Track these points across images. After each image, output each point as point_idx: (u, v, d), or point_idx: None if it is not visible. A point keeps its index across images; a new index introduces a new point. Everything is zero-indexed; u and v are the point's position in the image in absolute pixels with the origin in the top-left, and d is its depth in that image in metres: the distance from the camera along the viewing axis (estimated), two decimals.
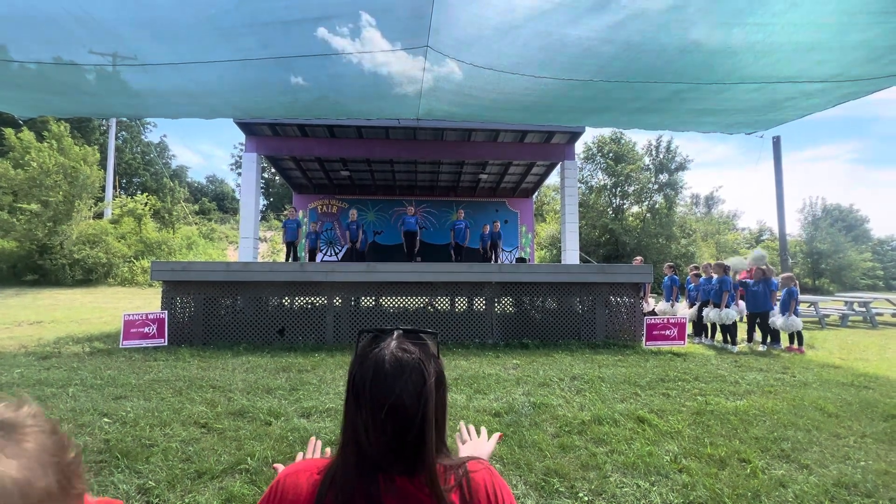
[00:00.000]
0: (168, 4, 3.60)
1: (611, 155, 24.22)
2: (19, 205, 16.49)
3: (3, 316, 9.44)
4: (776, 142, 10.70)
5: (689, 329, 7.31)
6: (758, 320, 7.38)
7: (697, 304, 7.80)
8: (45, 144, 17.36)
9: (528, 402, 3.90)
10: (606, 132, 25.01)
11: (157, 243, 20.20)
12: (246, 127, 11.24)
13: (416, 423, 0.71)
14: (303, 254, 12.87)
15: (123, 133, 35.78)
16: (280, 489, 0.75)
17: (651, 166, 24.39)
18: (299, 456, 1.03)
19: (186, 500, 2.31)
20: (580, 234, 13.42)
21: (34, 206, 16.38)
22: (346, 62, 4.47)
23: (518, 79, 4.75)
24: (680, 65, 4.34)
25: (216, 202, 45.48)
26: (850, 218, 35.35)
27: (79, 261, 16.82)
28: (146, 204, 21.73)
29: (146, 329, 6.39)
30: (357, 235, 10.94)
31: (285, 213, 15.59)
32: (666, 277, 8.93)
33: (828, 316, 11.11)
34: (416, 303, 7.65)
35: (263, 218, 34.49)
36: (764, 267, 7.53)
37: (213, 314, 6.82)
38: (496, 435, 1.10)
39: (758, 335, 7.39)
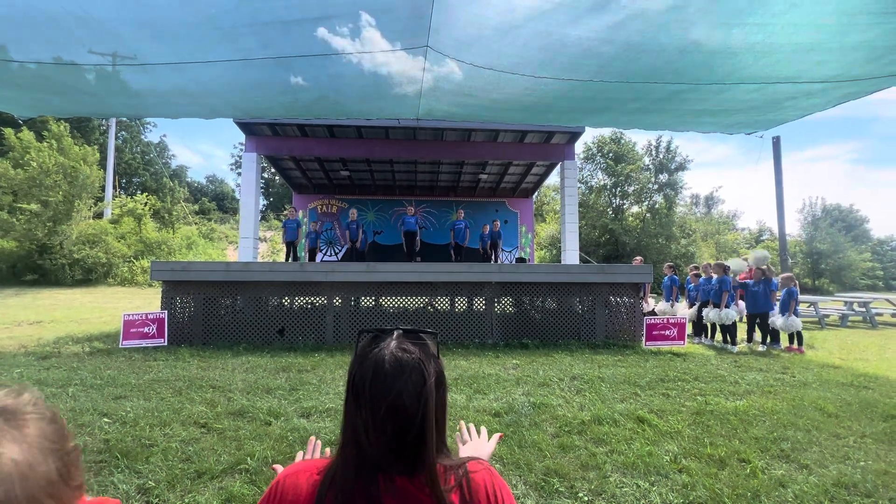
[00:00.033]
0: (168, 4, 3.60)
1: (611, 155, 24.23)
2: (19, 205, 16.49)
3: (3, 316, 9.44)
4: (776, 142, 10.70)
5: (688, 329, 7.31)
6: (757, 320, 7.39)
7: (697, 304, 7.80)
8: (45, 144, 17.36)
9: (528, 402, 3.90)
10: (606, 132, 25.06)
11: (156, 243, 20.20)
12: (246, 127, 11.24)
13: (416, 423, 0.71)
14: (303, 254, 12.87)
15: (123, 133, 35.77)
16: (280, 490, 0.75)
17: (651, 166, 24.41)
18: (299, 456, 1.03)
19: (186, 500, 2.31)
20: (580, 234, 13.43)
21: (34, 206, 16.37)
22: (345, 62, 4.47)
23: (518, 79, 4.75)
24: (680, 65, 4.34)
25: (216, 202, 45.47)
26: (850, 218, 35.38)
27: (78, 261, 16.82)
28: (146, 204, 21.73)
29: (146, 329, 6.39)
30: (357, 235, 10.94)
31: (285, 213, 15.60)
32: (666, 277, 8.94)
33: (827, 316, 11.11)
34: (416, 303, 7.65)
35: (263, 218, 34.49)
36: (764, 267, 7.53)
37: (212, 314, 6.82)
38: (496, 435, 1.10)
39: (757, 335, 7.39)
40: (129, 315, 6.41)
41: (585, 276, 7.38)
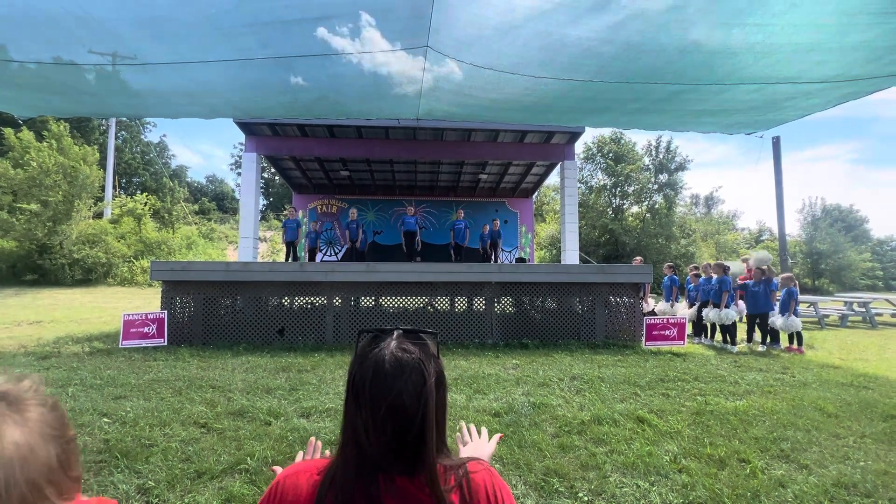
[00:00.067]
0: (168, 4, 3.60)
1: (610, 155, 24.23)
2: (19, 204, 16.49)
3: (3, 316, 9.44)
4: (776, 142, 10.70)
5: (688, 329, 7.31)
6: (757, 321, 7.39)
7: (697, 304, 7.80)
8: (45, 144, 17.36)
9: (528, 402, 3.90)
10: (606, 132, 25.07)
11: (156, 243, 20.19)
12: (246, 127, 11.24)
13: (416, 423, 0.71)
14: (302, 254, 12.86)
15: (123, 133, 35.77)
16: (280, 490, 0.75)
17: (651, 166, 24.41)
18: (299, 456, 1.03)
19: (186, 500, 2.31)
20: (580, 234, 13.43)
21: (34, 206, 16.37)
22: (345, 62, 4.47)
23: (518, 79, 4.75)
24: (680, 65, 4.34)
25: (216, 202, 45.47)
26: (850, 218, 35.39)
27: (78, 260, 16.82)
28: (146, 204, 21.73)
29: (146, 329, 6.39)
30: (357, 235, 10.93)
31: (285, 213, 15.60)
32: (666, 278, 8.94)
33: (827, 316, 11.12)
34: (416, 303, 7.65)
35: (263, 218, 34.48)
36: (764, 267, 7.53)
37: (212, 314, 6.82)
38: (496, 436, 1.10)
39: (757, 335, 7.39)
40: (128, 315, 6.41)
41: (585, 276, 7.38)
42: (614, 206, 24.47)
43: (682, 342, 6.83)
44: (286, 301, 7.58)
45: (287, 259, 10.91)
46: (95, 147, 20.22)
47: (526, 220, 16.53)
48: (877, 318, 10.93)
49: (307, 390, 4.22)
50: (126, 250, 18.63)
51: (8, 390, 0.55)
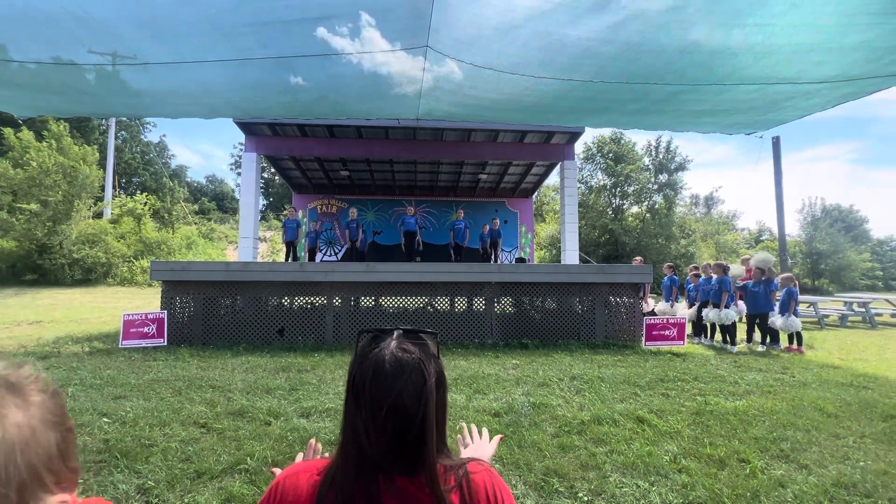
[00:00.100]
0: (168, 4, 3.60)
1: (610, 155, 24.24)
2: (19, 204, 16.48)
3: (3, 315, 9.44)
4: (776, 142, 10.70)
5: (688, 329, 7.31)
6: (757, 321, 7.39)
7: (697, 304, 7.80)
8: (45, 144, 17.36)
9: (528, 402, 3.90)
10: (606, 132, 25.08)
11: (156, 243, 20.19)
12: (245, 127, 11.24)
13: (417, 423, 0.71)
14: (302, 253, 12.86)
15: (123, 133, 35.77)
16: (280, 490, 0.75)
17: (651, 166, 24.42)
18: (299, 457, 1.03)
19: (186, 500, 2.31)
20: (580, 234, 13.43)
21: (33, 206, 16.37)
22: (345, 62, 4.47)
23: (518, 79, 4.75)
24: (680, 66, 4.35)
25: (216, 202, 45.47)
26: (850, 218, 35.40)
27: (78, 260, 16.81)
28: (146, 204, 21.73)
29: (146, 329, 6.39)
30: (357, 234, 10.93)
31: (285, 212, 15.60)
32: (665, 278, 8.94)
33: (827, 316, 11.12)
34: (416, 303, 7.65)
35: (263, 218, 34.48)
36: (765, 268, 7.54)
37: (212, 314, 6.82)
38: (497, 437, 1.10)
39: (757, 335, 7.39)
40: (128, 315, 6.41)
41: (585, 276, 7.38)
42: (614, 206, 24.48)
43: (681, 342, 6.84)
44: (286, 301, 7.57)
45: (287, 259, 10.91)
46: (95, 147, 20.22)
47: (526, 220, 16.53)
48: (876, 318, 10.94)
49: (307, 390, 4.22)
50: (126, 250, 18.63)
51: (9, 375, 0.55)
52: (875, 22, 3.45)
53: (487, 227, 11.95)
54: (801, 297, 8.41)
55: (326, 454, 1.02)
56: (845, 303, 11.61)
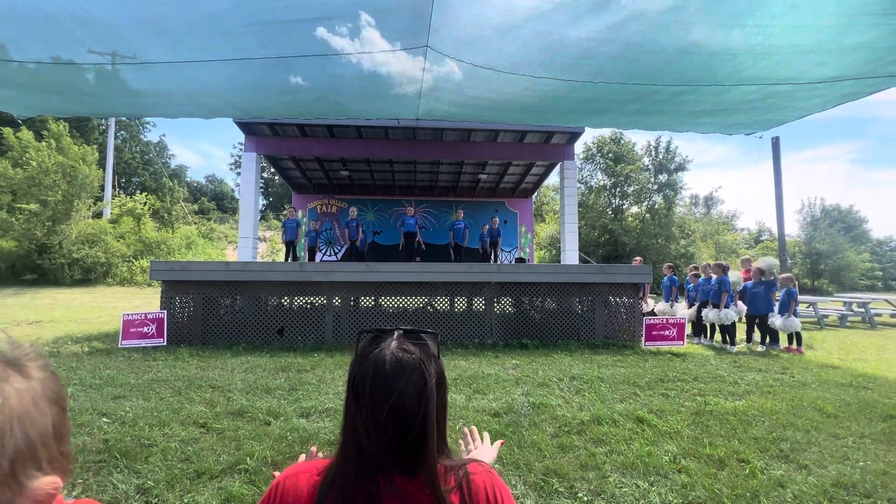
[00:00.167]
0: (167, 3, 3.60)
1: (610, 155, 24.25)
2: (18, 204, 16.47)
3: (2, 315, 9.43)
4: (775, 142, 10.71)
5: (688, 329, 7.31)
6: (756, 321, 7.40)
7: (696, 304, 7.81)
8: (44, 144, 17.36)
9: (528, 403, 3.90)
10: (606, 132, 25.10)
11: (156, 243, 20.19)
12: (245, 127, 11.24)
13: (417, 423, 0.71)
14: (302, 253, 12.86)
15: (122, 132, 35.76)
16: (280, 491, 0.75)
17: (650, 167, 24.44)
18: (301, 458, 1.03)
19: (185, 500, 2.31)
20: (579, 234, 13.44)
21: (33, 206, 16.36)
22: (345, 62, 4.47)
23: (518, 79, 4.75)
24: (679, 66, 4.35)
25: (215, 202, 45.48)
26: (849, 218, 35.44)
27: (78, 260, 16.80)
28: (145, 203, 21.72)
29: (145, 329, 6.38)
30: (357, 234, 10.91)
31: (285, 212, 15.60)
32: (665, 278, 8.94)
33: (827, 316, 11.13)
34: (416, 303, 7.65)
35: (263, 218, 34.49)
36: (764, 267, 7.54)
37: (212, 314, 6.81)
38: (498, 442, 1.11)
39: (757, 335, 7.40)
40: (128, 315, 6.41)
41: (585, 276, 7.39)
42: (614, 206, 24.49)
43: (681, 342, 6.84)
44: (286, 301, 7.57)
45: (286, 259, 10.90)
46: (95, 147, 20.22)
47: (525, 220, 16.54)
48: (876, 318, 10.95)
49: (307, 390, 4.21)
50: (125, 250, 18.62)
51: (10, 352, 0.56)
52: (875, 23, 3.45)
53: (487, 226, 11.95)
54: (800, 298, 8.42)
55: (320, 454, 1.02)
56: (845, 303, 11.62)
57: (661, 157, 24.39)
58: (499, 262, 12.28)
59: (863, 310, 11.09)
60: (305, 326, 6.91)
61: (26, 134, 17.42)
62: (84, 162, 17.85)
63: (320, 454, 1.05)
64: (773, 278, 7.57)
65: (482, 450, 1.05)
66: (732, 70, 4.37)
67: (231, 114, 6.47)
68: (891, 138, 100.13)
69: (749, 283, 7.63)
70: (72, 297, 13.17)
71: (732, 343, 7.00)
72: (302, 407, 3.71)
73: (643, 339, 6.79)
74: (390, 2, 3.60)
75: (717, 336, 7.52)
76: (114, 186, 25.23)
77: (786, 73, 4.38)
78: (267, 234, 27.70)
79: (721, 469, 2.73)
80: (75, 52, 4.24)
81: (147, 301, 12.44)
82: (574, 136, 12.00)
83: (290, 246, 10.75)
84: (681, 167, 24.16)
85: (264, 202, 41.87)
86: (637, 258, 11.45)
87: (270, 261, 20.74)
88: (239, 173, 38.68)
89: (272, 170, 23.59)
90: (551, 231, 25.48)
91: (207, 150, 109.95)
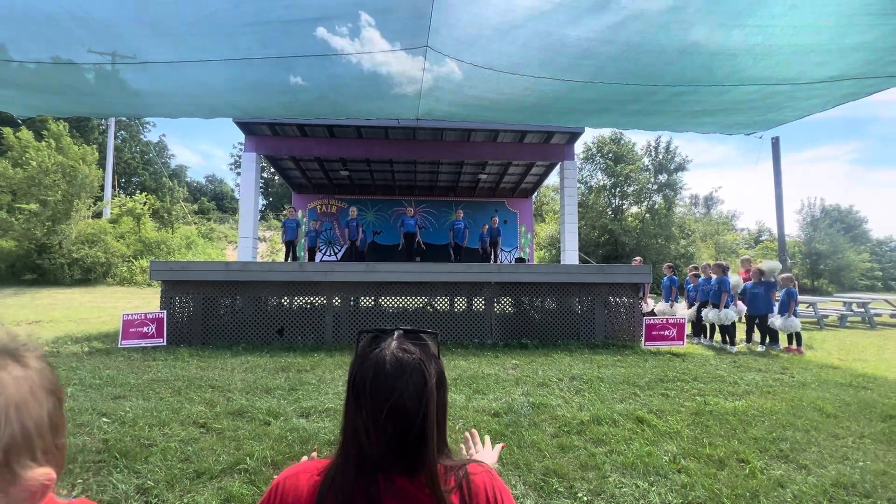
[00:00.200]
0: (167, 3, 3.60)
1: (610, 155, 24.26)
2: (18, 204, 16.47)
3: (2, 315, 9.43)
4: (775, 142, 10.71)
5: (687, 329, 7.32)
6: (756, 321, 7.40)
7: (696, 304, 7.81)
8: (44, 144, 17.35)
9: (527, 403, 3.90)
10: (606, 132, 25.11)
11: (155, 243, 20.19)
12: (245, 127, 11.24)
13: (417, 423, 0.71)
14: (302, 253, 12.86)
15: (122, 132, 35.76)
16: (280, 491, 0.75)
17: (650, 167, 24.45)
18: (303, 460, 1.03)
19: (185, 500, 2.31)
20: (579, 234, 13.44)
21: (33, 206, 16.35)
22: (345, 62, 4.47)
23: (518, 79, 4.75)
24: (679, 66, 4.35)
25: (215, 202, 45.48)
26: (849, 218, 35.45)
27: (77, 260, 16.80)
28: (145, 203, 21.72)
29: (145, 329, 6.38)
30: (356, 234, 10.91)
31: (284, 212, 15.60)
32: (665, 278, 8.94)
33: (826, 317, 11.13)
34: (416, 303, 7.65)
35: (263, 218, 34.49)
36: (766, 270, 7.55)
37: (212, 314, 6.81)
38: (499, 446, 1.11)
39: (756, 335, 7.40)
40: (128, 315, 6.40)
41: (585, 276, 7.39)
42: (614, 206, 24.50)
43: (681, 342, 6.84)
44: (285, 301, 7.57)
45: (286, 259, 10.90)
46: (94, 146, 20.22)
47: (525, 220, 16.54)
48: (876, 318, 10.95)
49: (306, 390, 4.21)
50: (125, 250, 18.62)
51: (7, 343, 0.56)
52: (875, 23, 3.45)
53: (486, 226, 11.94)
54: (800, 298, 8.43)
55: (314, 454, 1.02)
56: (844, 303, 11.63)
57: (661, 157, 24.40)
58: (499, 262, 12.28)
59: (862, 310, 11.09)
60: (305, 326, 6.91)
61: (26, 134, 17.42)
62: (84, 162, 17.84)
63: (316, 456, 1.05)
64: (773, 279, 7.58)
65: (483, 453, 1.06)
66: (732, 70, 4.37)
67: (231, 114, 6.47)
68: (891, 138, 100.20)
69: (749, 283, 7.63)
70: (72, 297, 13.17)
71: (732, 343, 7.00)
72: (302, 407, 3.71)
73: (643, 339, 6.80)
74: (390, 2, 3.60)
75: (717, 336, 7.53)
76: (114, 186, 25.23)
77: (786, 74, 4.38)
78: (267, 234, 27.70)
79: (721, 469, 2.73)
80: (75, 52, 4.24)
81: (147, 301, 12.44)
82: (574, 136, 12.00)
83: (290, 246, 10.75)
84: (681, 167, 24.17)
85: (264, 202, 41.88)
86: (637, 258, 11.46)
87: (270, 261, 20.74)
88: (239, 173, 38.69)
89: (272, 170, 23.60)
90: (551, 231, 25.49)
91: (207, 150, 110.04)
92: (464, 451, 1.09)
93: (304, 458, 1.03)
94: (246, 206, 11.50)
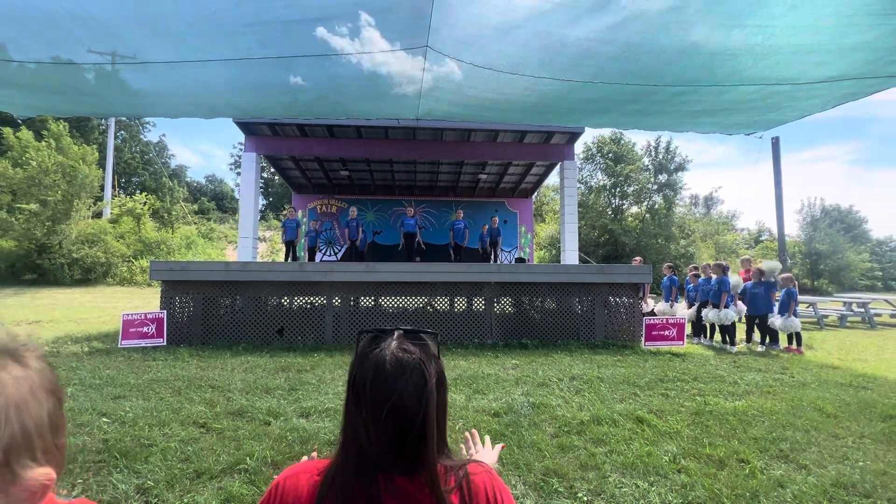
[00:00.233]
0: (167, 3, 3.60)
1: (610, 155, 24.26)
2: (18, 204, 16.47)
3: (2, 315, 9.43)
4: (775, 142, 10.71)
5: (687, 329, 7.32)
6: (756, 321, 7.40)
7: (696, 304, 7.81)
8: (44, 143, 17.35)
9: (527, 403, 3.90)
10: (606, 132, 25.11)
11: (155, 243, 20.19)
12: (245, 127, 11.24)
13: (417, 423, 0.71)
14: (302, 253, 12.86)
15: (122, 132, 35.76)
16: (280, 491, 0.75)
17: (650, 167, 24.45)
18: (304, 460, 1.03)
19: (185, 500, 2.31)
20: (579, 234, 13.44)
21: (33, 206, 16.35)
22: (345, 62, 4.47)
23: (518, 79, 4.75)
24: (679, 66, 4.35)
25: (215, 202, 45.48)
26: (849, 218, 35.45)
27: (77, 260, 16.80)
28: (145, 203, 21.72)
29: (145, 329, 6.38)
30: (356, 233, 10.91)
31: (284, 212, 15.60)
32: (665, 278, 8.94)
33: (826, 317, 11.13)
34: (416, 303, 7.65)
35: (263, 218, 34.49)
36: (766, 271, 7.54)
37: (212, 314, 6.81)
38: (499, 446, 1.12)
39: (756, 335, 7.40)
40: (128, 315, 6.40)
41: (585, 276, 7.39)
42: (614, 206, 24.50)
43: (681, 342, 6.84)
44: (285, 301, 7.57)
45: (286, 259, 10.90)
46: (94, 146, 20.22)
47: (525, 220, 16.54)
48: (876, 318, 10.95)
49: (306, 390, 4.21)
50: (125, 250, 18.62)
51: (7, 343, 0.56)
52: (875, 23, 3.45)
53: (486, 226, 11.94)
54: (800, 298, 8.43)
55: (314, 454, 1.02)
56: (844, 303, 11.63)
57: (660, 157, 24.40)
58: (499, 262, 12.28)
59: (862, 310, 11.09)
60: (305, 326, 6.91)
61: (26, 134, 17.42)
62: (84, 162, 17.84)
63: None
64: (773, 279, 7.58)
65: (483, 453, 1.06)
66: (732, 70, 4.37)
67: (231, 114, 6.47)
68: (891, 138, 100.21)
69: (749, 283, 7.63)
70: (71, 297, 13.17)
71: (732, 343, 7.00)
72: (302, 407, 3.71)
73: (643, 339, 6.80)
74: (390, 2, 3.60)
75: (717, 336, 7.53)
76: (114, 186, 25.23)
77: (786, 74, 4.38)
78: (267, 234, 27.70)
79: (721, 469, 2.73)
80: (75, 52, 4.24)
81: (147, 301, 12.44)
82: (574, 136, 12.00)
83: (290, 246, 10.75)
84: (681, 167, 24.18)
85: (264, 202, 41.88)
86: (637, 258, 11.45)
87: (270, 261, 20.74)
88: (239, 173, 38.69)
89: (272, 170, 23.60)
90: (551, 231, 25.49)
91: (207, 150, 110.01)
92: (464, 452, 1.09)
93: (304, 458, 1.03)
94: (246, 206, 11.50)
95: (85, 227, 17.91)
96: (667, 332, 6.85)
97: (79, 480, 2.46)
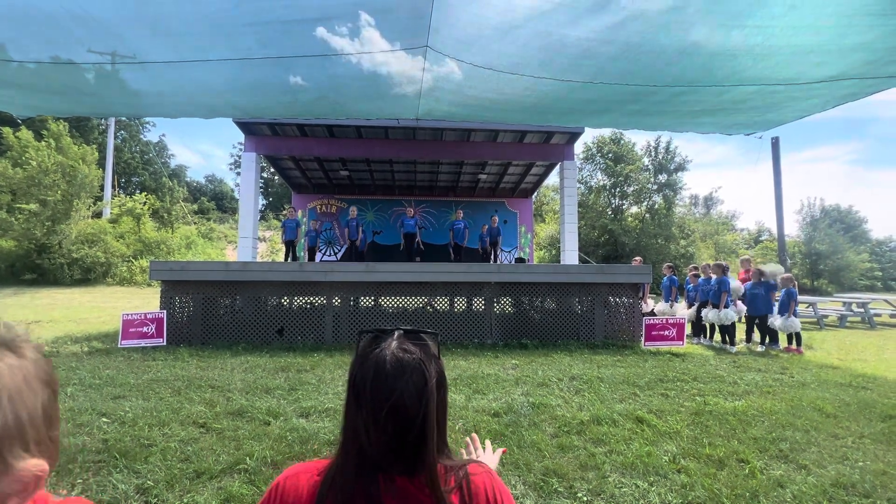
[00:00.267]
0: (167, 3, 3.60)
1: (610, 155, 24.26)
2: (18, 204, 16.46)
3: (2, 315, 9.41)
4: (775, 143, 10.72)
5: (687, 329, 7.32)
6: (756, 322, 7.40)
7: (696, 304, 7.81)
8: (44, 143, 17.35)
9: (527, 403, 3.90)
10: (606, 132, 25.12)
11: (155, 243, 20.18)
12: (245, 127, 11.24)
13: (417, 423, 0.71)
14: (302, 253, 12.86)
15: (122, 132, 35.75)
16: (280, 491, 0.75)
17: (650, 167, 24.46)
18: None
19: (185, 500, 2.31)
20: (579, 234, 13.45)
21: (33, 206, 16.35)
22: (345, 62, 4.47)
23: (518, 79, 4.75)
24: (679, 67, 4.35)
25: (215, 202, 45.48)
26: (849, 219, 35.42)
27: (77, 260, 16.79)
28: (145, 203, 21.70)
29: (145, 329, 6.38)
30: (356, 233, 10.91)
31: (284, 212, 15.60)
32: (665, 278, 8.95)
33: (826, 317, 11.13)
34: (416, 303, 7.65)
35: (262, 218, 34.49)
36: (767, 272, 7.55)
37: (211, 314, 6.81)
38: (500, 450, 1.12)
39: (756, 336, 7.41)
40: (127, 315, 6.40)
41: (584, 276, 7.39)
42: (614, 206, 24.50)
43: (681, 342, 6.84)
44: (285, 301, 7.57)
45: (286, 259, 10.90)
46: (94, 146, 20.22)
47: (525, 220, 16.54)
48: (875, 318, 10.96)
49: (306, 390, 4.21)
50: (125, 250, 18.61)
51: (4, 334, 0.55)
52: (874, 23, 3.45)
53: (486, 226, 11.93)
54: (800, 298, 8.43)
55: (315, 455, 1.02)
56: (844, 303, 11.63)
57: (660, 157, 24.41)
58: (498, 262, 12.28)
59: (862, 310, 11.10)
60: (305, 326, 6.91)
61: (26, 134, 17.42)
62: (84, 162, 17.84)
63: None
64: (773, 280, 7.58)
65: (484, 458, 1.06)
66: (732, 70, 4.37)
67: (231, 114, 6.47)
68: (891, 138, 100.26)
69: (749, 283, 7.64)
70: (71, 297, 13.16)
71: (732, 343, 7.00)
72: (302, 407, 3.71)
73: (643, 339, 6.80)
74: (390, 2, 3.60)
75: (717, 336, 7.53)
76: (113, 186, 25.23)
77: (786, 74, 4.38)
78: (267, 234, 27.70)
79: (720, 469, 2.74)
80: (75, 52, 4.24)
81: (147, 301, 12.44)
82: (574, 136, 12.00)
83: (290, 246, 10.75)
84: (680, 167, 24.19)
85: (264, 202, 41.87)
86: (637, 258, 11.46)
87: (270, 261, 20.73)
88: (239, 173, 38.71)
89: (272, 170, 23.60)
90: (551, 231, 25.49)
91: (207, 150, 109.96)
92: (464, 456, 1.09)
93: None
94: (246, 206, 11.50)
95: (85, 227, 17.91)
96: (666, 333, 6.86)
97: (79, 480, 2.46)
